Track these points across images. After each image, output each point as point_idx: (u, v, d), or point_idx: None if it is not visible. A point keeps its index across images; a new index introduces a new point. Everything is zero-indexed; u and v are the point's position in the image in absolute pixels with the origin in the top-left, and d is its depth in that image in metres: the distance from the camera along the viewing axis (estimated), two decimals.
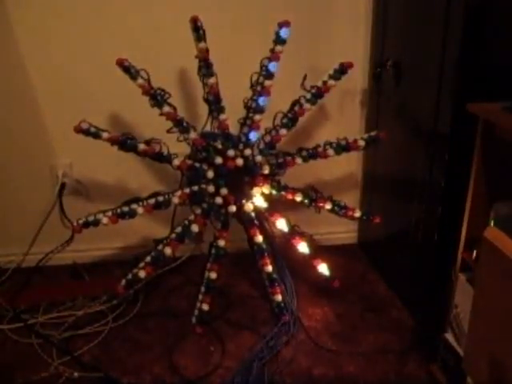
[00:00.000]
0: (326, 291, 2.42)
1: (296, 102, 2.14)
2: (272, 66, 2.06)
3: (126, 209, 2.02)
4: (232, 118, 2.11)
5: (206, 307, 2.20)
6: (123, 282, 2.08)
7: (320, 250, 2.36)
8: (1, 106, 2.43)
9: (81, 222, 1.99)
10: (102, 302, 2.37)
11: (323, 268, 2.33)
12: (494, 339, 1.50)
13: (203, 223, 2.13)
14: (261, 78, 2.08)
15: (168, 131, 2.04)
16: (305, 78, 2.11)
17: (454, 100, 1.83)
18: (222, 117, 2.08)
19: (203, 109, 2.14)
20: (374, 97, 2.54)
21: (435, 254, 2.09)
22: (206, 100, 2.08)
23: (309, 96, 2.13)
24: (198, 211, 2.14)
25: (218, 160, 2.09)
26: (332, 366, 2.05)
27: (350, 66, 2.13)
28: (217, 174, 2.10)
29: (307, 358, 2.10)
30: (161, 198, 2.06)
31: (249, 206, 2.18)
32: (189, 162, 2.09)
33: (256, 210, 2.21)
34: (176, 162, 2.06)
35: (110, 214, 2.01)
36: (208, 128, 2.19)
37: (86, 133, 1.95)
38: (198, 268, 2.31)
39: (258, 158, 2.14)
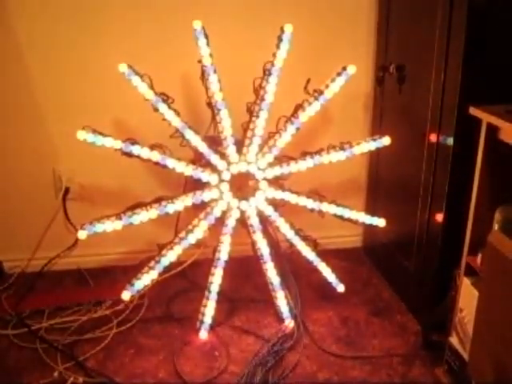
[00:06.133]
0: (331, 295, 2.41)
1: (299, 106, 2.14)
2: (275, 71, 2.06)
3: (130, 214, 2.03)
4: (235, 122, 2.11)
5: (210, 312, 2.19)
6: (128, 287, 2.08)
7: (324, 254, 2.35)
8: (5, 112, 2.44)
9: (85, 227, 1.99)
10: (107, 307, 2.36)
11: (328, 272, 2.33)
12: (499, 343, 1.49)
13: (207, 228, 2.13)
14: (264, 83, 2.08)
15: (171, 136, 2.04)
16: (308, 81, 2.11)
17: (458, 103, 1.83)
18: (226, 121, 2.07)
19: (206, 113, 2.14)
20: (378, 100, 2.54)
21: (440, 258, 2.08)
22: (209, 104, 2.08)
23: (312, 100, 2.13)
24: (202, 216, 2.14)
25: (222, 165, 2.09)
26: (337, 371, 2.05)
27: (353, 69, 2.13)
28: (220, 179, 2.11)
29: (312, 363, 2.09)
30: (164, 203, 2.07)
31: (252, 211, 2.18)
32: (192, 166, 2.09)
33: (260, 214, 2.21)
34: (179, 167, 2.06)
35: (113, 219, 2.02)
36: (211, 132, 2.19)
37: (90, 138, 1.96)
38: (202, 273, 2.31)
39: (262, 163, 2.14)
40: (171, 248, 2.11)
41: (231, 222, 2.17)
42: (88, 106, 2.43)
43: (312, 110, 2.14)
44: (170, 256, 2.10)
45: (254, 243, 2.24)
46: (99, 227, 2.00)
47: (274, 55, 2.05)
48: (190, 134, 2.06)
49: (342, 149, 2.20)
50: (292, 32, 2.02)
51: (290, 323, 2.27)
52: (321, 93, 2.13)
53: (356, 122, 2.68)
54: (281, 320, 2.30)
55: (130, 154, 2.01)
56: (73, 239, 2.65)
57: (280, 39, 2.04)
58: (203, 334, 2.21)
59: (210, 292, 2.18)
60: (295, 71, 2.13)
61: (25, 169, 2.55)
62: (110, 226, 2.01)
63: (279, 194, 2.21)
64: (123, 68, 1.95)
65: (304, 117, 2.14)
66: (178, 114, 2.04)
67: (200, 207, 2.15)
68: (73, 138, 1.94)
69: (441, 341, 1.98)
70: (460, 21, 1.77)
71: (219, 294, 2.20)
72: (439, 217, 2.04)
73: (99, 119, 2.09)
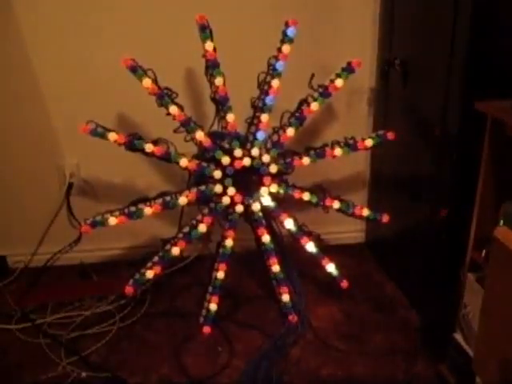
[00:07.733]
0: (334, 291, 2.41)
1: (303, 101, 2.14)
2: (279, 66, 2.05)
3: (133, 209, 2.02)
4: (239, 117, 2.10)
5: (213, 307, 2.20)
6: (131, 281, 2.08)
7: (328, 250, 2.35)
8: (9, 107, 2.44)
9: (88, 222, 1.99)
10: (110, 302, 2.37)
11: (331, 268, 2.32)
12: (504, 339, 1.48)
13: (211, 223, 2.13)
14: (268, 78, 2.07)
15: (175, 131, 2.03)
16: (312, 77, 2.11)
17: (463, 98, 1.82)
18: (230, 116, 2.07)
19: (210, 108, 2.14)
20: (382, 96, 2.53)
21: (444, 254, 2.08)
22: (213, 99, 2.07)
23: (316, 95, 2.12)
24: (206, 211, 2.14)
25: (226, 160, 2.09)
26: (340, 366, 2.05)
27: (358, 64, 2.12)
28: (224, 174, 2.10)
29: (315, 358, 2.09)
30: (168, 198, 2.06)
31: (256, 206, 2.18)
32: (196, 161, 2.08)
33: (263, 209, 2.21)
34: (183, 161, 2.06)
35: (117, 213, 2.01)
36: (215, 127, 2.19)
37: (93, 133, 1.95)
38: (205, 268, 2.31)
39: (266, 158, 2.14)
40: (175, 243, 2.11)
41: (235, 217, 2.17)
42: (91, 100, 2.42)
43: (316, 105, 2.13)
44: (174, 251, 2.10)
45: (257, 238, 2.24)
46: (103, 222, 2.00)
47: (279, 50, 2.04)
48: (193, 129, 2.05)
49: (347, 144, 2.20)
50: (296, 26, 2.02)
51: (293, 318, 2.27)
52: (325, 88, 2.12)
53: (360, 117, 2.67)
54: (284, 315, 2.30)
55: (133, 149, 2.00)
56: (76, 234, 2.65)
57: (284, 34, 2.03)
58: (206, 329, 2.22)
59: (213, 287, 2.18)
60: (299, 66, 2.12)
61: (28, 164, 2.55)
62: (114, 220, 2.01)
63: (283, 189, 2.21)
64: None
65: (308, 112, 2.13)
66: (181, 108, 2.03)
67: (204, 202, 2.15)
68: (76, 133, 1.94)
69: (445, 337, 1.98)
70: (465, 15, 1.76)
71: (223, 289, 2.20)
72: (443, 212, 2.04)
73: (103, 114, 2.08)
